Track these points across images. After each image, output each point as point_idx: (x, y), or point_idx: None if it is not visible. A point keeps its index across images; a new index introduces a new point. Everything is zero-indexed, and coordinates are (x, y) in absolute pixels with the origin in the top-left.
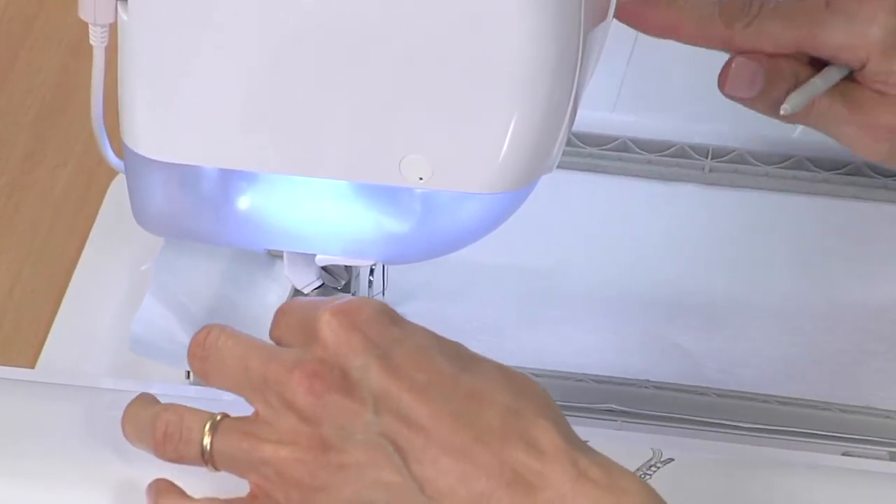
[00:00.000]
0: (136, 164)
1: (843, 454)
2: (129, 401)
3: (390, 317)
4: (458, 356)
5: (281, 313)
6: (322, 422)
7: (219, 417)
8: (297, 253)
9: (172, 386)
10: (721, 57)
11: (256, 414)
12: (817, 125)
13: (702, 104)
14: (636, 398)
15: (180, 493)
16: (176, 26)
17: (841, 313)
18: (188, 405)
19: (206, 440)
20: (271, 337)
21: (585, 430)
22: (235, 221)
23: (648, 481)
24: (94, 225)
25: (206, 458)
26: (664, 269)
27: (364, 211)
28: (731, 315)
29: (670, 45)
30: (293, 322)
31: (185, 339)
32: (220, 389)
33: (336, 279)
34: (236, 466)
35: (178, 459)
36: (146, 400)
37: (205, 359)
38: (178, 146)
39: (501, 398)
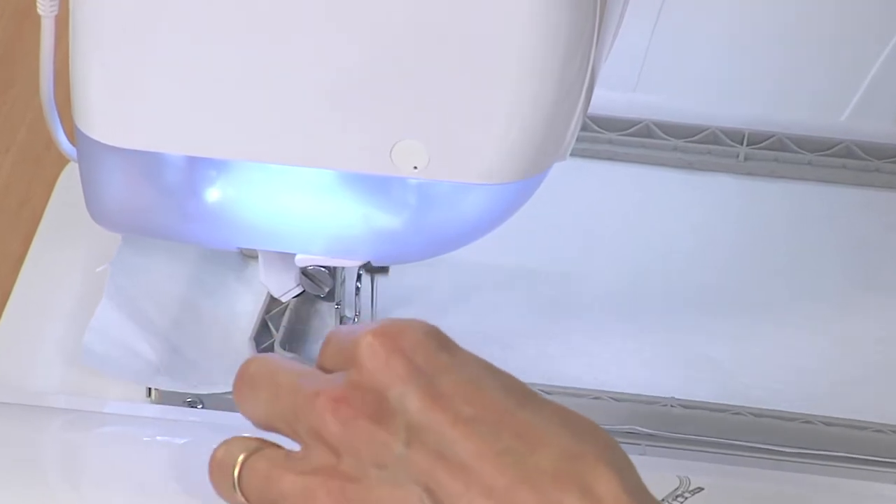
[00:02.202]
0: (90, 151)
1: None
2: (82, 422)
3: (440, 341)
4: (516, 391)
5: (326, 342)
6: (347, 452)
7: (261, 446)
8: (274, 253)
9: (131, 405)
10: (759, 31)
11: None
12: None
13: (736, 83)
14: (661, 418)
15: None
16: None
17: None
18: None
19: (237, 470)
20: (318, 367)
21: None
22: (203, 217)
23: None
24: (42, 220)
25: (236, 487)
26: (693, 272)
27: (350, 204)
28: (769, 323)
29: (699, 16)
30: (335, 348)
31: (145, 350)
32: (260, 428)
33: (318, 285)
34: (261, 498)
35: (221, 492)
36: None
37: (239, 389)
38: (138, 130)
39: (559, 440)
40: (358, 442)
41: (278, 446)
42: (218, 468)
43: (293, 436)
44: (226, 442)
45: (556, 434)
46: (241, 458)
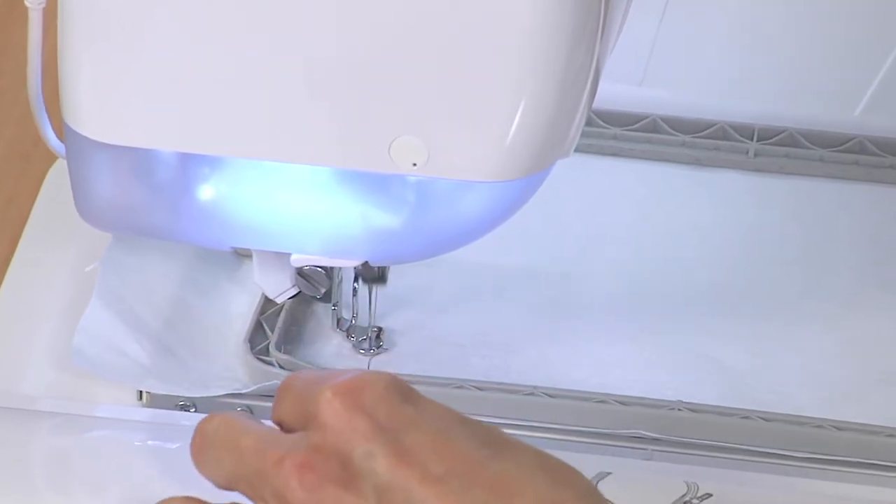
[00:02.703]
0: (79, 148)
1: None
2: (71, 426)
3: (402, 394)
4: (487, 439)
5: (282, 390)
6: None
7: None
8: (269, 252)
9: (122, 409)
10: (769, 23)
11: None
12: None
13: (745, 76)
14: (668, 422)
15: None
16: None
17: None
18: (200, 497)
19: None
20: (273, 420)
21: (609, 461)
22: (196, 215)
23: None
24: (30, 219)
25: None
26: (701, 271)
27: (347, 202)
28: (779, 324)
29: (708, 6)
30: (293, 402)
31: (136, 351)
32: (221, 488)
33: (315, 286)
34: None
35: None
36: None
37: (199, 450)
38: (129, 126)
39: (535, 489)
40: None
41: None
42: None
43: (258, 500)
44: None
45: (533, 482)
46: None
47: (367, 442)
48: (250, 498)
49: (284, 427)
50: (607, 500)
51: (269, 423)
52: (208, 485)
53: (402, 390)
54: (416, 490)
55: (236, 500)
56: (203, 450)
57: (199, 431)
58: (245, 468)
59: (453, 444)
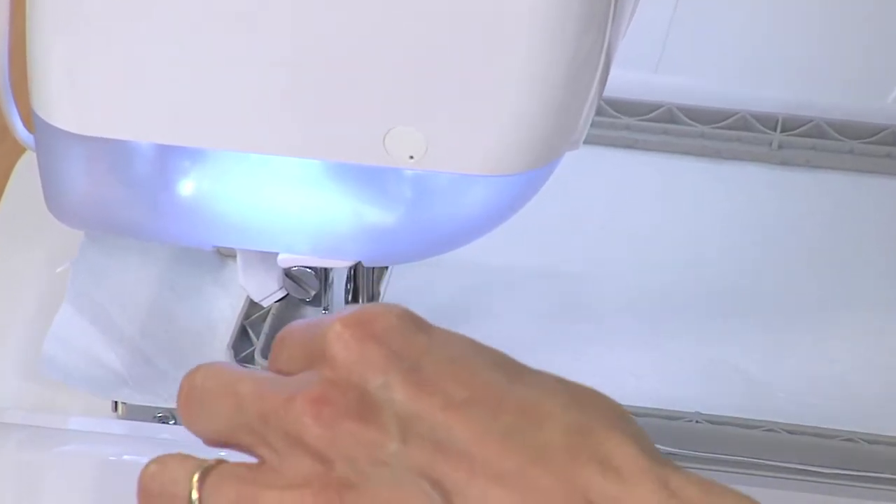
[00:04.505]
0: (49, 139)
1: None
2: (41, 439)
3: (416, 323)
4: (506, 365)
5: (279, 342)
6: (338, 456)
7: (212, 463)
8: (254, 252)
9: (96, 421)
10: (795, 3)
11: (262, 461)
12: None
13: (768, 62)
14: (686, 435)
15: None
16: None
17: None
18: (184, 451)
19: (195, 494)
20: (270, 371)
21: None
22: (176, 212)
23: None
24: None
25: None
26: (720, 272)
27: (339, 198)
28: (805, 330)
29: None
30: (295, 347)
31: (110, 359)
32: (213, 445)
33: (304, 288)
34: None
35: None
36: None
37: (188, 404)
38: (102, 116)
39: (564, 412)
40: (348, 444)
41: (225, 461)
42: (160, 501)
43: (262, 448)
44: (158, 465)
45: (560, 406)
46: (194, 481)
47: (382, 372)
48: (251, 449)
49: (286, 375)
50: (633, 418)
51: (266, 372)
52: None
53: (414, 319)
54: (440, 417)
55: (227, 459)
56: (193, 403)
57: (187, 384)
58: (246, 415)
59: (473, 371)
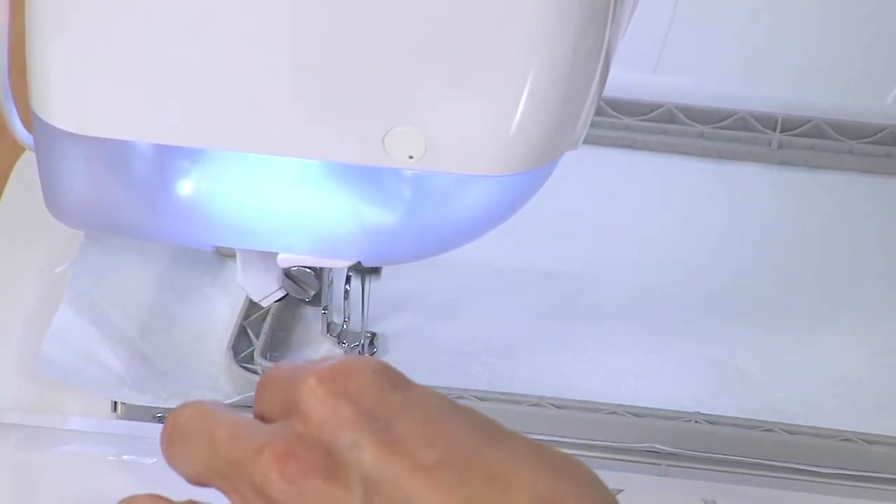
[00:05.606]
0: (49, 139)
1: None
2: (40, 439)
3: (391, 380)
4: (481, 427)
5: (263, 382)
6: None
7: None
8: (254, 252)
9: (95, 421)
10: (794, 3)
11: None
12: None
13: (768, 62)
14: (685, 435)
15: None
16: None
17: None
18: (159, 494)
19: None
20: (255, 415)
21: (621, 477)
22: (175, 212)
23: None
24: None
25: None
26: (720, 273)
27: (338, 198)
28: (805, 331)
29: None
30: (276, 391)
31: (109, 359)
32: (193, 483)
33: (303, 288)
34: None
35: None
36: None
37: (170, 441)
38: (102, 116)
39: (534, 480)
40: (312, 501)
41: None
42: None
43: (233, 494)
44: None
45: (531, 473)
46: None
47: (352, 431)
48: (226, 493)
49: (266, 420)
50: (608, 490)
51: (249, 415)
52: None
53: (390, 376)
54: (407, 481)
55: (199, 501)
56: (174, 441)
57: (170, 422)
58: (219, 460)
59: (445, 432)
